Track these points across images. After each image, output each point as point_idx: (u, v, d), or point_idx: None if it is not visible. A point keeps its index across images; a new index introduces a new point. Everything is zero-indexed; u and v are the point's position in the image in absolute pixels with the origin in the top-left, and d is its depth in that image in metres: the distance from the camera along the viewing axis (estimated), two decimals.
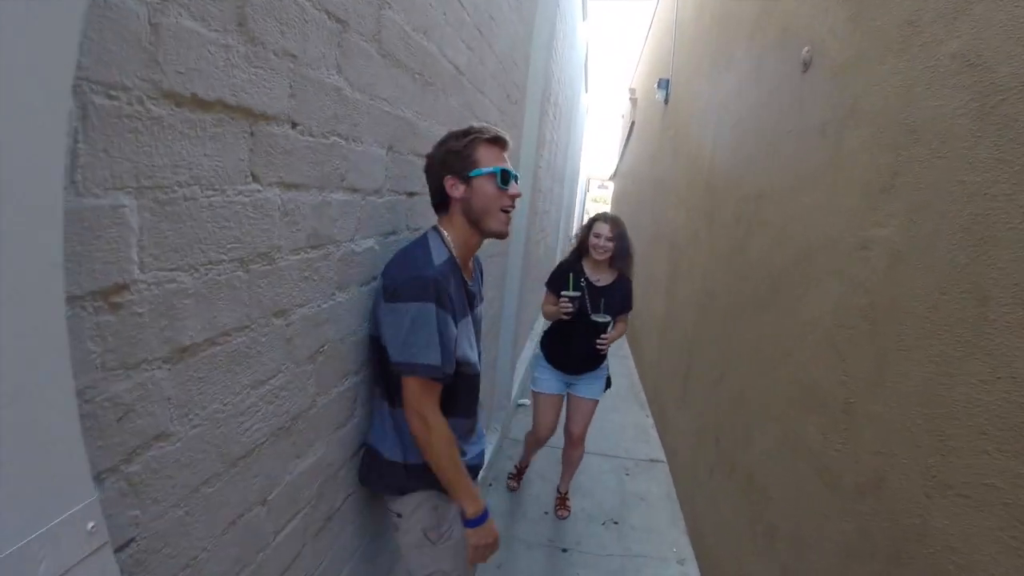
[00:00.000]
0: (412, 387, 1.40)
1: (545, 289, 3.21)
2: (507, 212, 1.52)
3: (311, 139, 1.14)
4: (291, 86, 1.03)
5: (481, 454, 1.70)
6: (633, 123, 12.40)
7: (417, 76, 1.65)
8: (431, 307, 1.36)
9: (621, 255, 3.06)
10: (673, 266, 4.87)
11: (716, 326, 3.29)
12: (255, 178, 0.97)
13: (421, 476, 1.50)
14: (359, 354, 1.50)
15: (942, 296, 1.34)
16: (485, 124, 1.54)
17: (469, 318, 1.56)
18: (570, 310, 2.92)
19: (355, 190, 1.38)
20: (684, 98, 5.58)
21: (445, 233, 1.52)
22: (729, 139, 3.49)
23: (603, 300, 3.00)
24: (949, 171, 1.36)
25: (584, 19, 9.47)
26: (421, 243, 1.49)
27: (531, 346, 6.24)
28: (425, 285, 1.36)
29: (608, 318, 2.97)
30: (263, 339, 1.05)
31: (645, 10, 11.51)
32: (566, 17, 5.42)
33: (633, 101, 13.13)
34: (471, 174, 1.47)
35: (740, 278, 2.89)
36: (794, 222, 2.29)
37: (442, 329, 1.38)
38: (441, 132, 1.87)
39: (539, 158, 4.56)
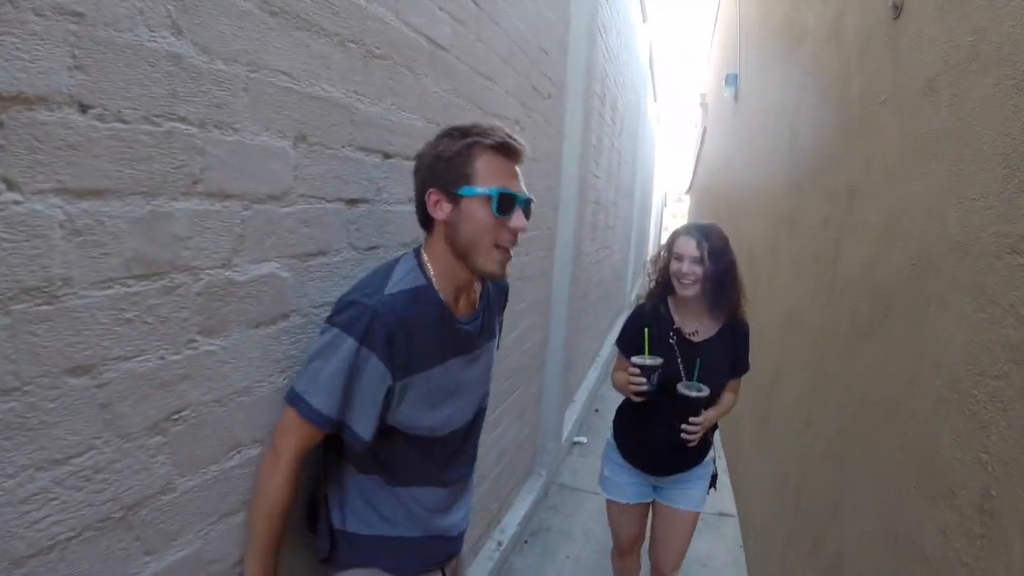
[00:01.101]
0: (286, 418, 1.10)
1: (616, 349, 2.26)
2: (504, 249, 1.16)
3: (123, 126, 0.80)
4: (74, 55, 0.74)
5: (461, 521, 1.42)
6: (705, 129, 11.69)
7: (351, 45, 1.25)
8: (351, 344, 1.05)
9: (720, 286, 1.98)
10: (752, 283, 4.20)
11: (802, 356, 2.65)
12: (9, 185, 0.69)
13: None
14: (260, 418, 1.10)
15: None
16: (494, 124, 1.16)
17: (453, 363, 1.24)
18: (644, 390, 1.95)
19: (227, 196, 0.97)
20: (755, 90, 4.95)
21: (425, 257, 1.20)
22: (809, 124, 2.88)
23: (699, 362, 2.00)
24: None
25: (644, 21, 8.98)
26: (387, 266, 1.20)
27: (595, 375, 5.67)
28: (358, 315, 1.06)
29: (704, 390, 1.94)
30: (51, 404, 0.78)
31: (710, 10, 10.85)
32: (616, 10, 4.93)
33: (704, 107, 12.43)
34: (460, 192, 1.12)
35: (831, 297, 2.26)
36: (902, 220, 1.68)
37: (351, 379, 1.07)
38: (410, 122, 1.47)
39: (589, 164, 4.06)
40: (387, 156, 1.39)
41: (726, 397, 2.15)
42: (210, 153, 0.93)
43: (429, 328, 1.15)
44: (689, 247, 1.97)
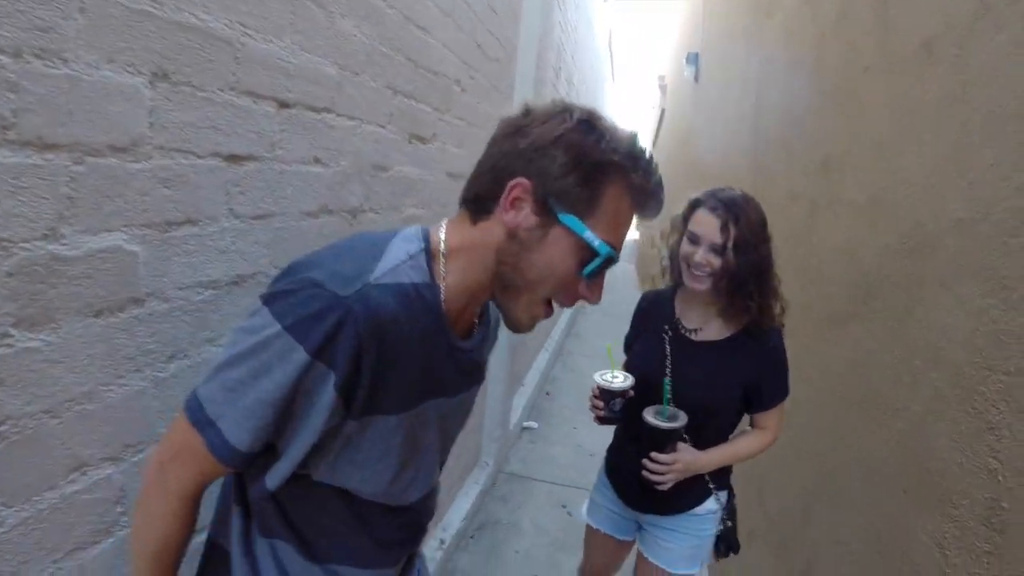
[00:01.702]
0: (183, 437, 0.74)
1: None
2: (551, 309, 0.83)
3: None
4: None
5: None
6: (663, 111, 11.60)
7: None
8: (301, 358, 0.68)
9: (741, 288, 1.43)
10: None
11: None
12: None
13: None
14: (110, 429, 0.86)
15: None
16: (640, 146, 0.79)
17: (430, 406, 0.85)
18: (603, 416, 1.52)
19: (49, 146, 0.72)
20: (718, 68, 4.81)
21: (442, 244, 0.82)
22: (776, 98, 2.73)
23: (667, 382, 1.51)
24: None
25: (606, 0, 8.77)
26: (377, 238, 0.81)
27: (547, 357, 5.51)
28: (319, 312, 0.69)
29: (679, 419, 1.45)
30: None
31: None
32: None
33: (663, 88, 12.35)
34: (561, 214, 0.76)
35: (804, 279, 2.10)
36: (890, 195, 1.53)
37: (289, 407, 0.72)
38: (318, 68, 1.22)
39: None
40: (284, 105, 1.13)
41: (747, 439, 1.58)
42: (27, 90, 0.67)
43: (416, 347, 0.78)
44: (711, 228, 1.41)
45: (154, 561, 0.80)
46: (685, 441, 1.51)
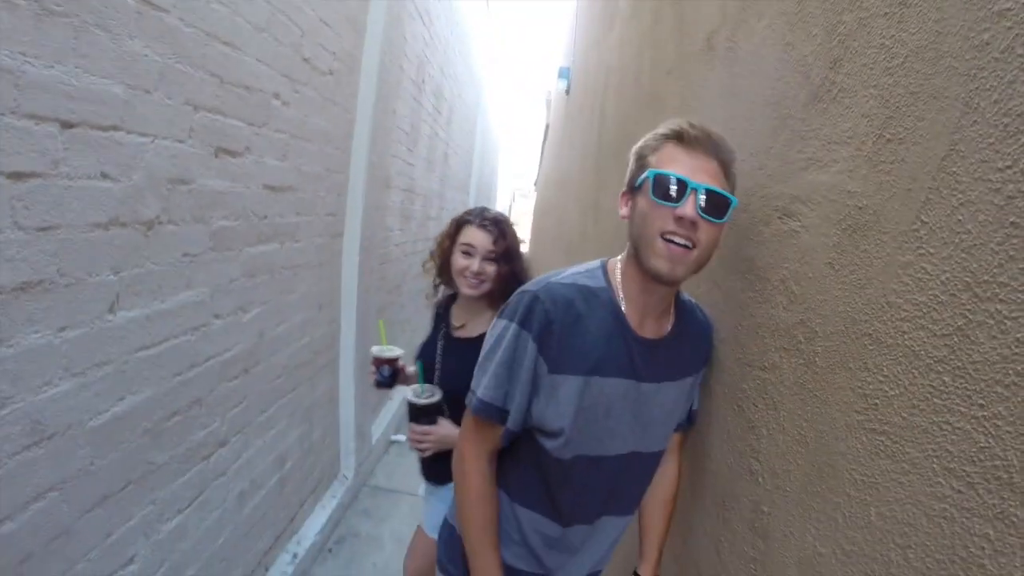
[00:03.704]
0: (466, 418, 1.14)
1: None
2: (671, 242, 0.96)
3: None
4: None
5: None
6: (548, 125, 11.81)
7: (19, 1, 1.06)
8: (512, 329, 1.04)
9: (512, 289, 1.39)
10: None
11: None
12: None
13: None
14: None
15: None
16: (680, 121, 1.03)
17: (618, 383, 1.06)
18: (374, 380, 1.82)
19: None
20: (580, 81, 4.87)
21: (612, 264, 1.11)
22: (613, 104, 2.74)
23: (455, 360, 1.70)
24: None
25: (490, 16, 8.80)
26: (573, 265, 1.14)
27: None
28: (518, 301, 1.05)
29: (434, 395, 1.66)
30: None
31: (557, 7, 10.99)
32: None
33: (548, 103, 12.57)
34: (637, 183, 1.03)
35: None
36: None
37: (513, 363, 1.04)
38: (104, 88, 1.29)
39: (392, 149, 3.71)
40: (68, 125, 1.20)
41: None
42: None
43: (596, 331, 1.03)
44: (484, 241, 1.63)
45: (478, 517, 1.13)
46: (444, 415, 1.66)
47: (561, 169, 6.38)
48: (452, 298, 1.82)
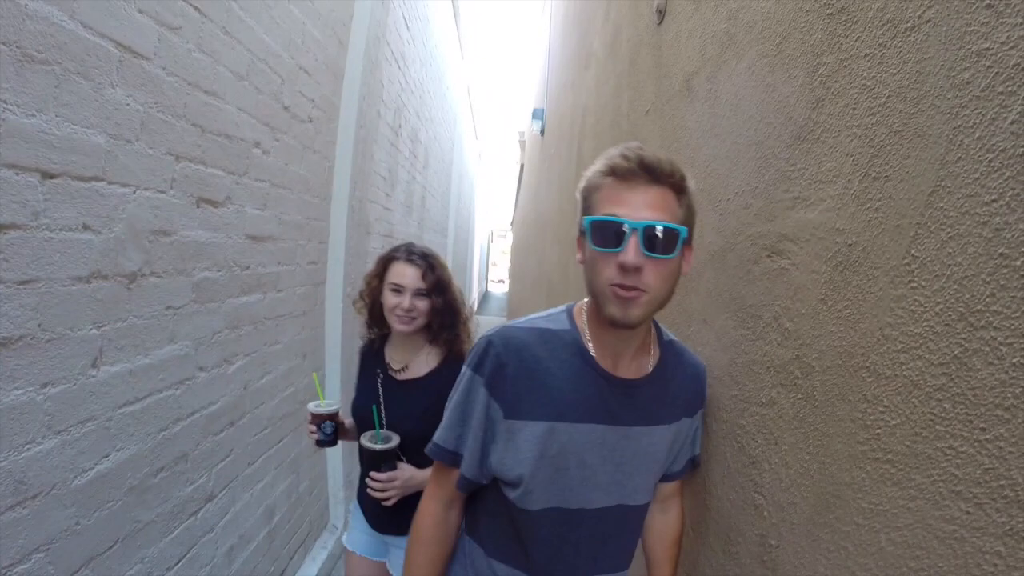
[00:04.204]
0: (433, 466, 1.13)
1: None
2: (622, 292, 0.89)
3: None
4: None
5: None
6: (522, 166, 12.00)
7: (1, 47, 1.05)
8: (467, 374, 1.02)
9: (447, 322, 1.69)
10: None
11: None
12: None
13: None
14: None
15: None
16: (630, 145, 0.95)
17: (589, 429, 1.00)
18: (316, 439, 1.71)
19: None
20: (556, 122, 4.97)
21: (578, 307, 1.07)
22: (590, 145, 2.80)
23: (374, 408, 1.65)
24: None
25: (463, 59, 9.01)
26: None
27: None
28: (476, 347, 1.02)
29: (392, 440, 1.60)
30: None
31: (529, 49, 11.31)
32: (420, 41, 4.74)
33: (522, 144, 12.80)
34: (582, 229, 0.96)
35: None
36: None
37: (466, 409, 1.02)
38: (85, 138, 1.28)
39: (371, 194, 3.74)
40: (48, 176, 1.18)
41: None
42: None
43: (560, 373, 0.98)
44: (412, 277, 1.63)
45: (417, 555, 1.11)
46: (403, 460, 1.62)
47: (539, 210, 6.45)
48: (383, 339, 1.79)
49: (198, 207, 1.73)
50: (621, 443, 1.01)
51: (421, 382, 1.68)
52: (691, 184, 0.93)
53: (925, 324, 0.64)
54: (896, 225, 0.69)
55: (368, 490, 1.60)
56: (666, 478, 1.16)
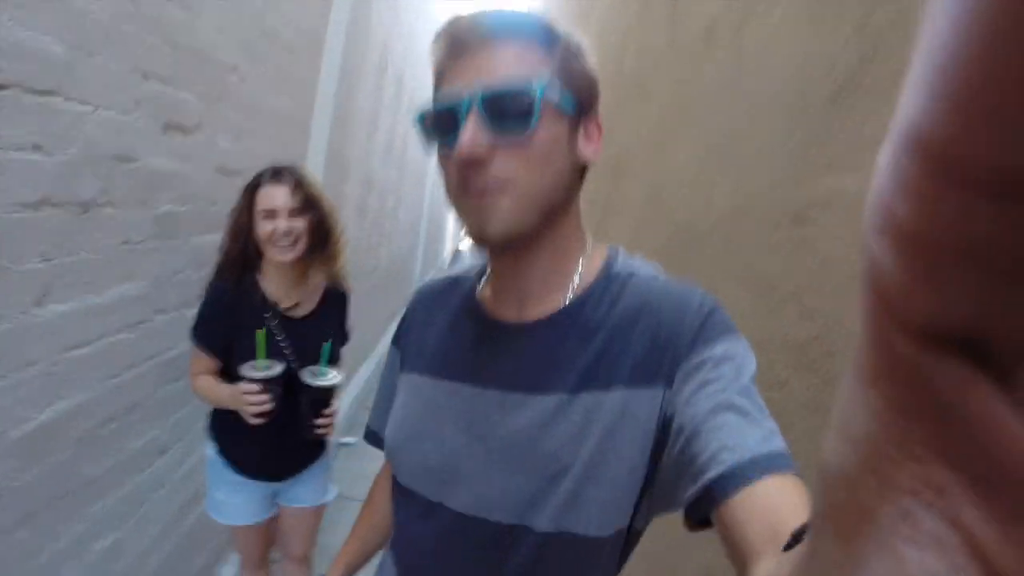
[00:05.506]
0: None
1: (194, 343, 1.61)
2: (475, 200, 0.59)
3: None
4: None
5: None
6: None
7: None
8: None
9: (326, 239, 1.57)
10: None
11: None
12: None
13: None
14: None
15: None
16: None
17: (457, 388, 0.69)
18: (268, 409, 1.45)
19: None
20: None
21: None
22: None
23: (307, 343, 1.55)
24: None
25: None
26: None
27: (369, 369, 5.18)
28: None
29: (336, 377, 1.52)
30: None
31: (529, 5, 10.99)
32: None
33: None
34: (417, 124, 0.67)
35: None
36: (665, 193, 1.43)
37: (384, 374, 0.87)
38: (40, 46, 1.13)
39: (355, 137, 3.57)
40: None
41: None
42: None
43: (443, 319, 0.76)
44: (281, 197, 1.47)
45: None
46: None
47: None
48: (251, 282, 1.56)
49: (165, 133, 1.58)
50: (492, 416, 0.65)
51: (318, 315, 1.61)
52: (575, 37, 0.61)
53: None
54: None
55: (315, 431, 1.54)
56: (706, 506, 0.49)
